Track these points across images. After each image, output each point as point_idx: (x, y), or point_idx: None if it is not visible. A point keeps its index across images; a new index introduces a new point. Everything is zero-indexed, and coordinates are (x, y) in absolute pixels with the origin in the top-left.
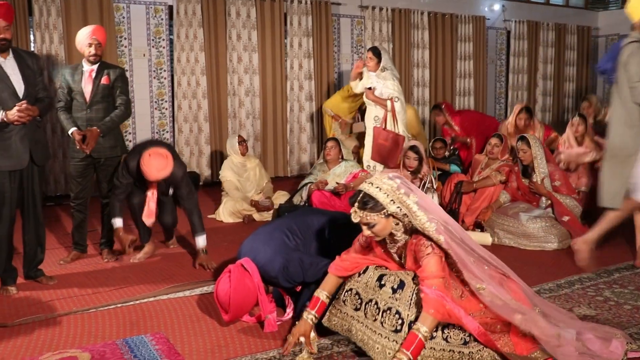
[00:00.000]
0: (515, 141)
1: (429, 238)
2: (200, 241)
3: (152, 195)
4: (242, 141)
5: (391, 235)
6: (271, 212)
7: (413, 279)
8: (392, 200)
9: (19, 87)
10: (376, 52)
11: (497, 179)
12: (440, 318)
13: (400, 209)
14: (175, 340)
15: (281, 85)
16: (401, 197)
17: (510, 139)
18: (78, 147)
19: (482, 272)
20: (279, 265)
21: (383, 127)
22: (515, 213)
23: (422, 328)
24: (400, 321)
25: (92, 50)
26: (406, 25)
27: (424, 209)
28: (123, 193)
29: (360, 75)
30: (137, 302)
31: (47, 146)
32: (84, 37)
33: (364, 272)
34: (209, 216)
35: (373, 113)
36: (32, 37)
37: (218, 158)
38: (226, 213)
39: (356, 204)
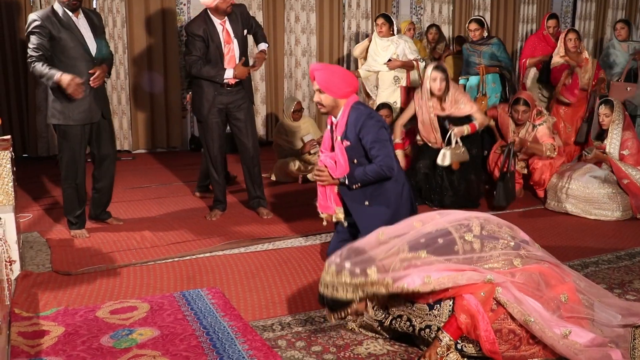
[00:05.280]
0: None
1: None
2: (262, 46)
3: (230, 47)
4: (297, 110)
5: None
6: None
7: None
8: (353, 290)
9: (92, 45)
10: (387, 18)
11: (547, 154)
12: (465, 331)
13: (367, 292)
14: (231, 295)
15: (338, 46)
16: (360, 282)
17: (571, 61)
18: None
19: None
20: None
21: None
22: (580, 175)
23: (447, 337)
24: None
25: (230, 0)
26: None
27: (387, 268)
28: (203, 63)
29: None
30: (194, 257)
31: (109, 101)
32: None
33: None
34: (264, 175)
35: (392, 74)
36: None
37: (273, 118)
38: (281, 173)
39: (326, 310)
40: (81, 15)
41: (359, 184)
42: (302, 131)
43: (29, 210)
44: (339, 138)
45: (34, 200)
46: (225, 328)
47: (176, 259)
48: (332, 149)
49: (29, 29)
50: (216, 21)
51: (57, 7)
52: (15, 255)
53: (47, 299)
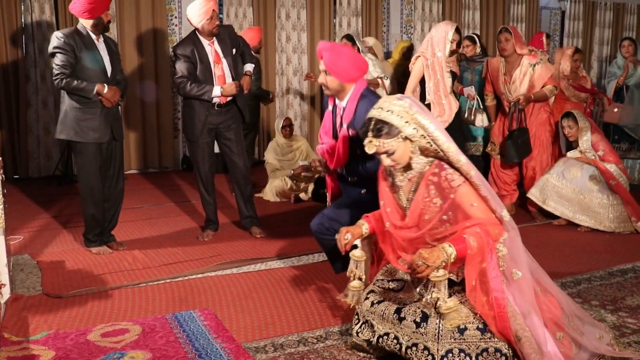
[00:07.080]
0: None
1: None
2: (248, 67)
3: (220, 67)
4: (286, 125)
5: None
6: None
7: (436, 311)
8: (406, 121)
9: (108, 68)
10: (349, 38)
11: (552, 93)
12: (468, 254)
13: (417, 130)
14: (223, 317)
15: None
16: (415, 117)
17: (570, 81)
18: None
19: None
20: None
21: None
22: (574, 176)
23: (452, 249)
24: (430, 357)
25: (216, 22)
26: (457, 6)
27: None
28: (191, 82)
29: None
30: (186, 278)
31: (122, 124)
32: (205, 11)
33: (379, 302)
34: (257, 195)
35: None
36: None
37: (265, 138)
38: (273, 192)
39: (370, 133)
40: (101, 39)
41: (355, 178)
42: (294, 151)
43: (20, 232)
44: (344, 126)
45: (25, 222)
46: (218, 350)
47: (168, 281)
48: (334, 132)
49: (54, 46)
50: (204, 42)
51: (81, 28)
52: (5, 278)
53: (37, 322)
